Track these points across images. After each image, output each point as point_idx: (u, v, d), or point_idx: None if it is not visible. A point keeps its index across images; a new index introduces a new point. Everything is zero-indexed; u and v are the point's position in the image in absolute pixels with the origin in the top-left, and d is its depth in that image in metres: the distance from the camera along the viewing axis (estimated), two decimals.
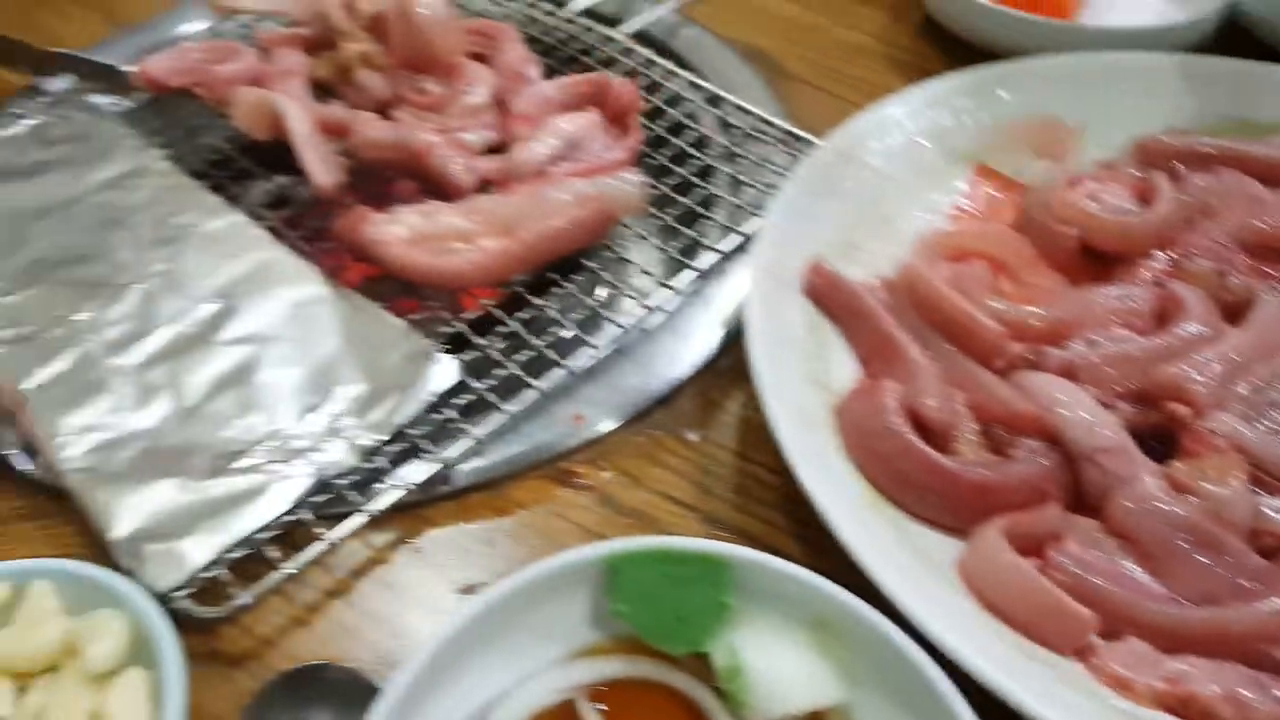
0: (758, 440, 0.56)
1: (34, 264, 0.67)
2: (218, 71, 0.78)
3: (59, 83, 0.86)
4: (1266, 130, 0.68)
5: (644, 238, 0.70)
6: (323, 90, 0.79)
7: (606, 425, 0.59)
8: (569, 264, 0.67)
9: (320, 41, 0.81)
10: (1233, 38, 0.82)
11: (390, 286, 0.65)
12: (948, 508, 0.48)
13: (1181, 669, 0.41)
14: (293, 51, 0.79)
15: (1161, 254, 0.58)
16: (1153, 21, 0.77)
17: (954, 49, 0.85)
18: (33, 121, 0.80)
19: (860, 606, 0.41)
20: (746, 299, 0.56)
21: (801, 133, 0.73)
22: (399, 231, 0.65)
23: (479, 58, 0.79)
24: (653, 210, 0.70)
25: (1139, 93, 0.70)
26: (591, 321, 0.63)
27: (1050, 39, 0.77)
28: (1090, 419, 0.48)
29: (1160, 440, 0.50)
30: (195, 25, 0.94)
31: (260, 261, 0.66)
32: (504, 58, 0.78)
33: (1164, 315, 0.54)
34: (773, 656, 0.43)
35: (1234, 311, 0.54)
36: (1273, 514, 0.45)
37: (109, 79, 0.83)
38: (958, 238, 0.61)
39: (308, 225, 0.71)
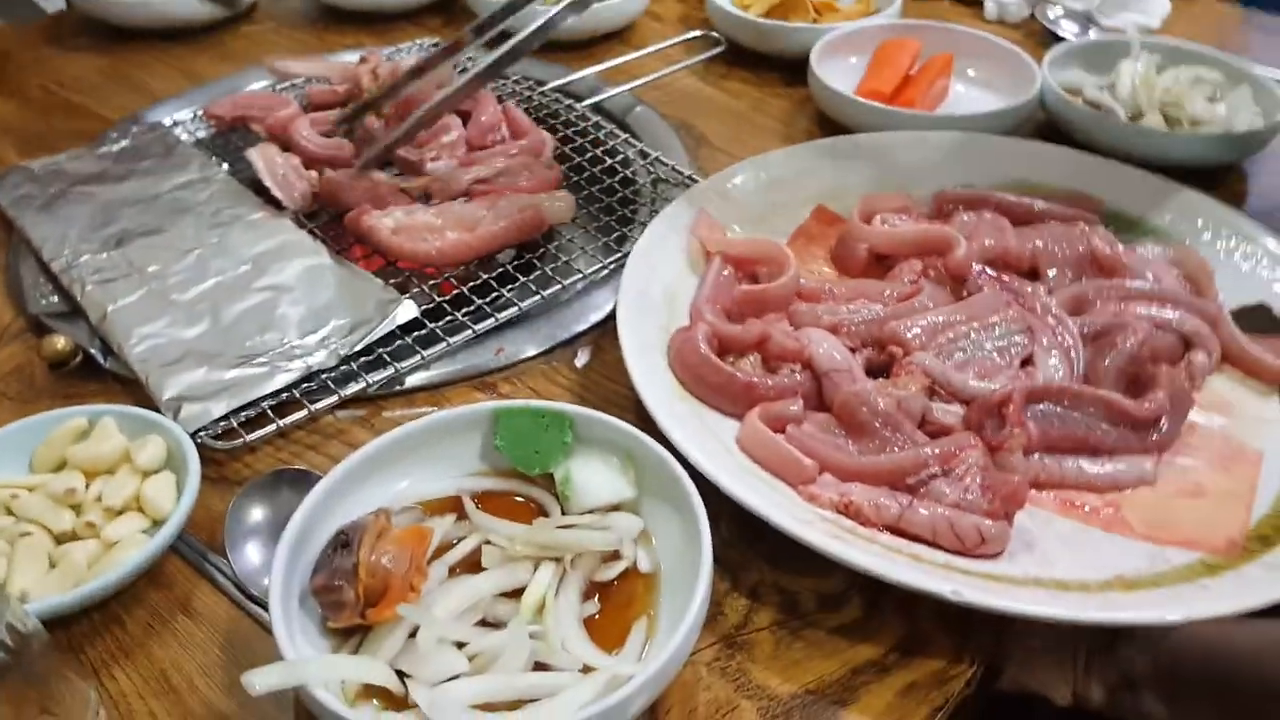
0: (624, 369, 0.78)
1: (121, 234, 0.92)
2: (268, 114, 1.04)
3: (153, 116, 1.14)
4: (1038, 188, 0.91)
5: (572, 242, 0.94)
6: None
7: (523, 355, 0.82)
8: (518, 255, 0.91)
9: (350, 96, 1.08)
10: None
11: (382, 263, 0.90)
12: (727, 399, 0.70)
13: (849, 488, 0.63)
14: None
15: (919, 262, 0.81)
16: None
17: (836, 131, 1.09)
18: (125, 143, 1.07)
19: (649, 441, 0.63)
20: (624, 275, 0.79)
21: (699, 178, 0.98)
22: (388, 223, 0.89)
23: (465, 114, 1.05)
24: (581, 224, 0.94)
25: (950, 159, 0.94)
26: (523, 292, 0.87)
27: (901, 123, 1.02)
28: (832, 353, 0.71)
29: (886, 373, 0.72)
30: (257, 84, 1.21)
31: (285, 240, 0.91)
32: (480, 115, 1.04)
33: (910, 297, 0.77)
34: (592, 474, 0.64)
35: None
36: (937, 410, 0.68)
37: None
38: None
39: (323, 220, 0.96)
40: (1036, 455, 0.67)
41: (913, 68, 1.14)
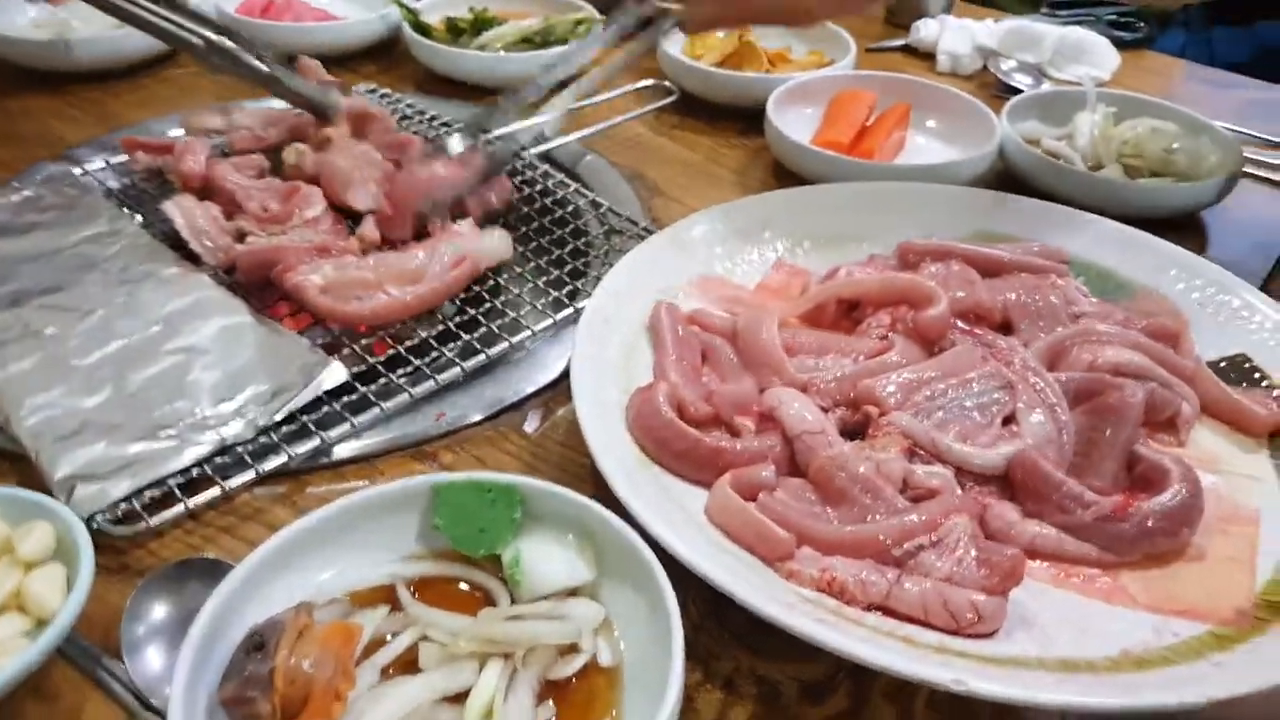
0: (578, 433, 0.71)
1: (17, 292, 0.83)
2: (179, 162, 0.97)
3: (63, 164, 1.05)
4: (1001, 239, 0.88)
5: (520, 296, 0.87)
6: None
7: (467, 420, 0.74)
8: (460, 310, 0.84)
9: (281, 141, 1.01)
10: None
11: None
12: (693, 465, 0.64)
13: (831, 563, 0.57)
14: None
15: (887, 316, 0.76)
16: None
17: (792, 182, 1.05)
18: (28, 193, 0.98)
19: (609, 516, 0.56)
20: (578, 331, 0.73)
21: (653, 228, 0.92)
22: (316, 280, 0.82)
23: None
24: (530, 278, 0.88)
25: (911, 210, 0.90)
26: (466, 351, 0.80)
27: (860, 173, 0.98)
28: (803, 413, 0.65)
29: (861, 434, 0.67)
30: (175, 130, 1.13)
31: (200, 297, 0.83)
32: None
33: (881, 353, 0.72)
34: (545, 554, 0.57)
35: None
36: (919, 472, 0.62)
37: None
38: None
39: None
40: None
41: (869, 119, 1.11)
